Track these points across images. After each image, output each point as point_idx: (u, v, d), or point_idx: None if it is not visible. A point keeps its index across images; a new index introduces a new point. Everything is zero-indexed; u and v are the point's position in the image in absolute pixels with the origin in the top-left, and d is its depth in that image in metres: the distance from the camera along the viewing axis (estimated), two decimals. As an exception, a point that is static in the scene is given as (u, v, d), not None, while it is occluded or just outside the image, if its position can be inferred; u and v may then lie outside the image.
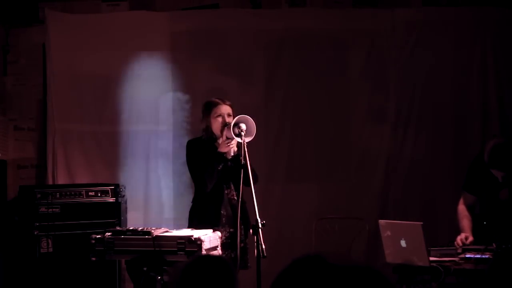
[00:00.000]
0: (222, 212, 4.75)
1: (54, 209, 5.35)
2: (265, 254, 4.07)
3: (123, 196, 5.58)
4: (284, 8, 6.44)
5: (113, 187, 5.56)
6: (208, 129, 4.81)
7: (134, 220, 5.69)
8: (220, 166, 4.69)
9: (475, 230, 4.70)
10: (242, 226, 4.58)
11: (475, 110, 6.16)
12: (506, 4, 6.21)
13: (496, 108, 6.14)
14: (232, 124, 4.52)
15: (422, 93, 6.21)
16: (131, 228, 4.50)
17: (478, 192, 4.78)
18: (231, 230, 4.73)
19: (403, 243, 4.17)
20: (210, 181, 4.68)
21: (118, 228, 4.73)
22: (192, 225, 4.72)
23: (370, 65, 6.25)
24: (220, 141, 4.74)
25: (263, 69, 6.26)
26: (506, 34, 6.15)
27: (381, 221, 4.44)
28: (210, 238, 4.33)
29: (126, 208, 5.61)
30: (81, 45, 6.09)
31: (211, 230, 4.45)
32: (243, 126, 4.50)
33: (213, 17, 6.28)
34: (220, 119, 4.77)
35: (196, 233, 4.30)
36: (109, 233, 4.39)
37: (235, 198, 4.74)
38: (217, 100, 4.86)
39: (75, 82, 6.13)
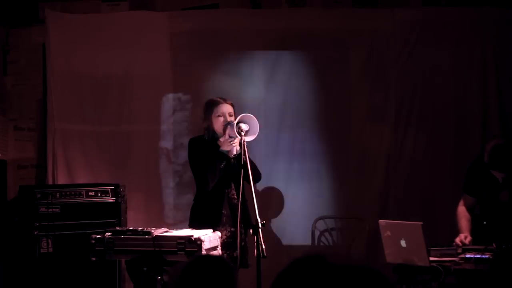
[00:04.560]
0: (223, 211, 4.76)
1: (54, 209, 5.35)
2: (265, 254, 4.08)
3: (123, 196, 5.57)
4: (284, 8, 6.43)
5: (113, 187, 5.55)
6: (209, 129, 4.82)
7: (134, 220, 5.69)
8: (222, 165, 4.69)
9: (475, 230, 4.70)
10: (243, 225, 4.59)
11: (475, 110, 6.15)
12: (506, 4, 6.20)
13: (496, 108, 6.13)
14: (235, 123, 4.54)
15: (422, 93, 6.20)
16: (131, 228, 4.50)
17: (478, 193, 4.78)
18: (232, 229, 4.74)
19: (403, 243, 4.17)
20: (212, 179, 4.70)
21: (118, 228, 4.72)
22: (193, 223, 4.73)
23: (370, 65, 6.24)
24: (222, 139, 4.75)
25: (263, 69, 6.26)
26: (506, 34, 6.14)
27: (381, 221, 4.44)
28: (210, 238, 4.34)
29: (126, 208, 5.61)
30: (81, 45, 6.09)
31: (211, 230, 4.46)
32: (243, 126, 4.52)
33: (213, 17, 6.28)
34: (221, 118, 4.78)
35: (196, 233, 4.30)
36: (109, 233, 4.40)
37: (236, 197, 4.75)
38: (218, 100, 4.87)
39: (75, 82, 6.13)
